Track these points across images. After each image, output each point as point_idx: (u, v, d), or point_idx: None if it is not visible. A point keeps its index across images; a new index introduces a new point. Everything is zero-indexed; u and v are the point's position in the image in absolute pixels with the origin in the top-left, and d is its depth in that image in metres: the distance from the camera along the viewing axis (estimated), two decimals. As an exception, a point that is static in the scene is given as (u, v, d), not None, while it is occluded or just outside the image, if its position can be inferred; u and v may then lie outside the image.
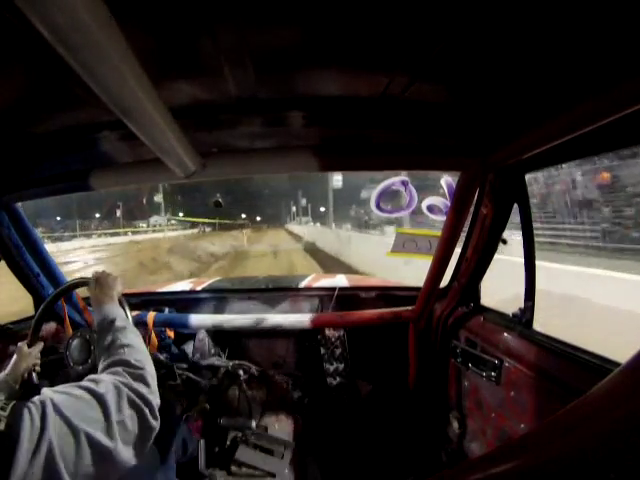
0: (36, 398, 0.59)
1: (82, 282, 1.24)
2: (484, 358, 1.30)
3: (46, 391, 0.61)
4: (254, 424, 1.71)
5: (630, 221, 7.14)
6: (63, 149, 1.12)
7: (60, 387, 0.64)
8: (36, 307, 1.60)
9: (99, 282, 1.08)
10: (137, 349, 0.82)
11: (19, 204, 1.47)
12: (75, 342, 1.21)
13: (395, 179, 1.47)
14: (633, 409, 0.47)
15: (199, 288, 2.43)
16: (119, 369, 0.72)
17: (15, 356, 1.18)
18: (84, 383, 0.66)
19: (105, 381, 0.67)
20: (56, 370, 1.40)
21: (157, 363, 1.60)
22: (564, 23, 0.59)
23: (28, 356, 1.20)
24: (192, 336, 1.86)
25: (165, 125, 0.75)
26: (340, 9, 0.58)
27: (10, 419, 0.54)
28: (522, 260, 1.19)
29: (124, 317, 0.96)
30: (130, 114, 0.65)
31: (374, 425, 1.79)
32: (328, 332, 1.82)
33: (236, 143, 1.11)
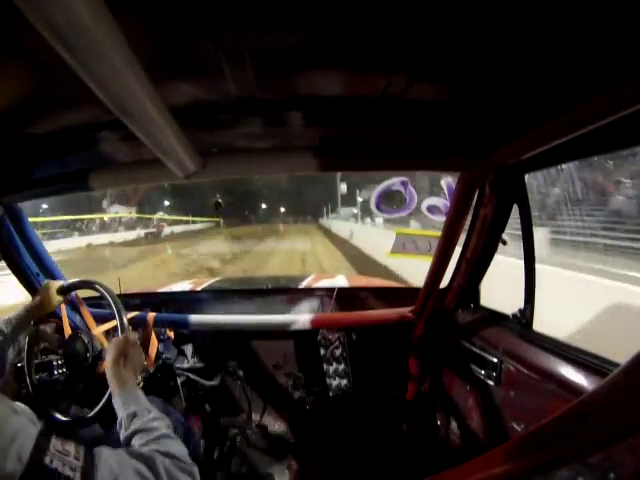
0: (113, 457, 0.59)
1: (118, 315, 1.15)
2: (484, 358, 1.30)
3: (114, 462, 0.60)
4: (254, 424, 1.71)
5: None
6: (63, 149, 1.12)
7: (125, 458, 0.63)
8: None
9: (132, 353, 0.95)
10: (177, 440, 0.76)
11: (19, 204, 1.48)
12: (73, 343, 1.21)
13: (395, 179, 1.47)
14: (633, 409, 0.47)
15: (199, 288, 2.44)
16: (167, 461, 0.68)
17: (41, 291, 1.20)
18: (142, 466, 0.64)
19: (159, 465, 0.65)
20: (53, 370, 1.40)
21: (157, 364, 1.61)
22: (564, 23, 0.59)
23: (49, 296, 1.20)
24: (192, 337, 1.86)
25: (165, 125, 0.74)
26: (340, 9, 0.58)
27: (85, 468, 0.54)
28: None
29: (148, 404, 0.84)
30: (130, 114, 0.65)
31: (374, 425, 1.79)
32: (328, 332, 1.82)
33: (236, 143, 1.11)
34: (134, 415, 0.77)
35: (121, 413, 0.80)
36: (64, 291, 1.24)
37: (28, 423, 0.57)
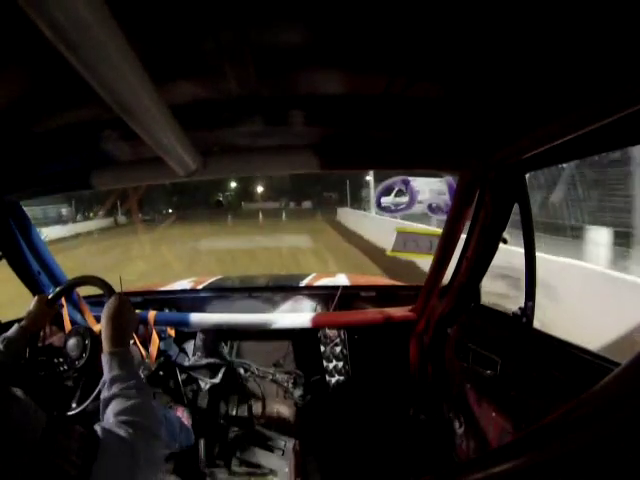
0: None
1: (103, 285, 1.16)
2: (484, 357, 1.30)
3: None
4: (255, 422, 1.72)
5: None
6: (64, 148, 1.12)
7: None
8: None
9: (124, 313, 0.95)
10: (153, 411, 0.79)
11: (21, 202, 1.48)
12: (72, 339, 1.21)
13: (397, 178, 1.47)
14: (633, 409, 0.47)
15: (200, 287, 2.44)
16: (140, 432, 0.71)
17: (32, 305, 1.18)
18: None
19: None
20: (53, 367, 1.41)
21: (159, 362, 1.61)
22: (564, 25, 0.59)
23: (39, 311, 1.18)
24: (193, 335, 1.87)
25: (166, 123, 0.75)
26: (341, 8, 0.58)
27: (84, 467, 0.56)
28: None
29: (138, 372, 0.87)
30: (131, 112, 0.65)
31: (374, 423, 1.79)
32: (328, 331, 1.82)
33: (237, 142, 1.11)
34: (116, 379, 0.79)
35: (106, 374, 0.81)
36: (51, 302, 1.24)
37: (35, 415, 0.57)
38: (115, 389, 0.77)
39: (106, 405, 0.75)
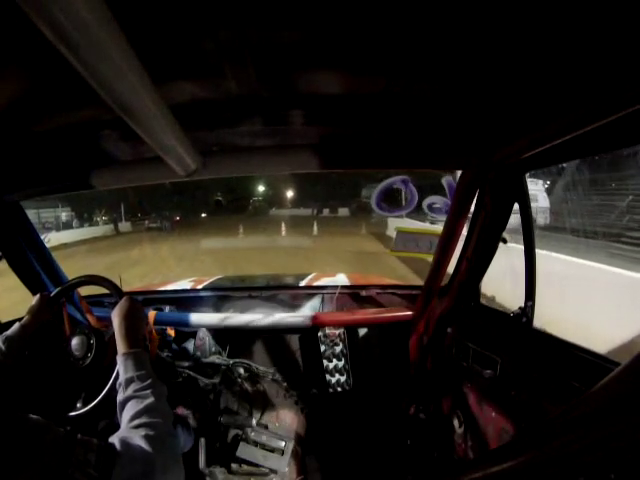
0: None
1: (112, 286, 1.16)
2: (484, 357, 1.30)
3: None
4: (254, 422, 1.72)
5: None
6: (64, 148, 1.12)
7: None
8: None
9: (136, 314, 0.95)
10: (168, 409, 0.81)
11: (21, 202, 1.48)
12: (76, 338, 1.21)
13: (396, 178, 1.47)
14: (633, 409, 0.47)
15: (200, 286, 2.44)
16: (150, 432, 0.71)
17: (34, 302, 1.19)
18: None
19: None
20: (55, 366, 1.41)
21: (158, 361, 1.61)
22: (564, 25, 0.59)
23: (40, 309, 1.19)
24: (193, 334, 1.86)
25: (166, 123, 0.75)
26: (340, 8, 0.58)
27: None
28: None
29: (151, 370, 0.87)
30: (131, 112, 0.65)
31: (374, 423, 1.79)
32: (328, 330, 1.82)
33: (237, 141, 1.11)
34: (131, 380, 0.80)
35: (121, 376, 0.82)
36: (54, 300, 1.24)
37: (48, 435, 0.58)
38: (130, 391, 0.78)
39: (122, 407, 0.76)
